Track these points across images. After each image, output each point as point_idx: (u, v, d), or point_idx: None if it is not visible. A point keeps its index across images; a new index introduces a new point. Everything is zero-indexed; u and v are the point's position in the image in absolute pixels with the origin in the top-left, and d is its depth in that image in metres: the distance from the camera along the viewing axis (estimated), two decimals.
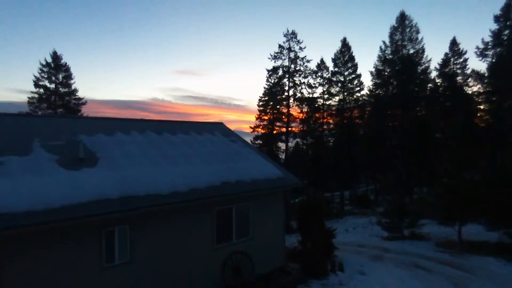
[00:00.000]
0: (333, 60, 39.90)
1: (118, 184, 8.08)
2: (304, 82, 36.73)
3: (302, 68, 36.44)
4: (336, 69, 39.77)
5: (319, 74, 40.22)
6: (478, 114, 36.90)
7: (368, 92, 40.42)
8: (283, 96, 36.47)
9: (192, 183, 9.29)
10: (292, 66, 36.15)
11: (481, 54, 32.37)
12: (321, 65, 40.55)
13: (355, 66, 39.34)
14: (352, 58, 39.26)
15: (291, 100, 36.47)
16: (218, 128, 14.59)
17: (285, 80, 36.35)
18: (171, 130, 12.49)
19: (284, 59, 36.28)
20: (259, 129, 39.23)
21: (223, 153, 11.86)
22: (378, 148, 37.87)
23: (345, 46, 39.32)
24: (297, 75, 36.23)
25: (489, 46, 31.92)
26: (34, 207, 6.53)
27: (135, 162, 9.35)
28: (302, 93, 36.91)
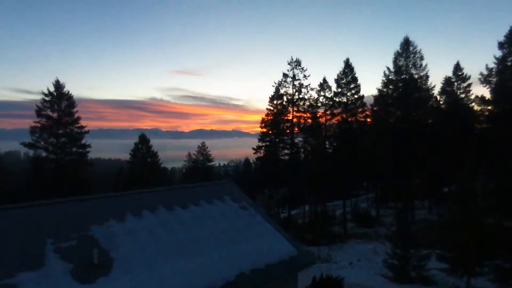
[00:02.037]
0: (336, 80, 39.68)
1: None
2: (309, 110, 36.60)
3: (306, 96, 36.33)
4: (339, 89, 39.58)
5: (322, 93, 40.10)
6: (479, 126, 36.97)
7: (370, 107, 40.55)
8: (287, 125, 36.33)
9: (206, 282, 9.21)
10: (297, 94, 36.01)
11: (485, 80, 32.27)
12: (324, 84, 40.37)
13: (358, 87, 39.15)
14: (355, 79, 39.06)
15: (295, 127, 36.34)
16: (227, 190, 14.46)
17: (289, 108, 36.20)
18: (181, 203, 12.37)
19: (288, 87, 36.15)
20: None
21: (235, 230, 11.79)
22: (378, 161, 37.74)
23: (348, 67, 39.10)
24: (301, 103, 36.07)
25: (493, 73, 31.81)
26: None
27: (149, 260, 9.27)
28: (305, 120, 36.79)
